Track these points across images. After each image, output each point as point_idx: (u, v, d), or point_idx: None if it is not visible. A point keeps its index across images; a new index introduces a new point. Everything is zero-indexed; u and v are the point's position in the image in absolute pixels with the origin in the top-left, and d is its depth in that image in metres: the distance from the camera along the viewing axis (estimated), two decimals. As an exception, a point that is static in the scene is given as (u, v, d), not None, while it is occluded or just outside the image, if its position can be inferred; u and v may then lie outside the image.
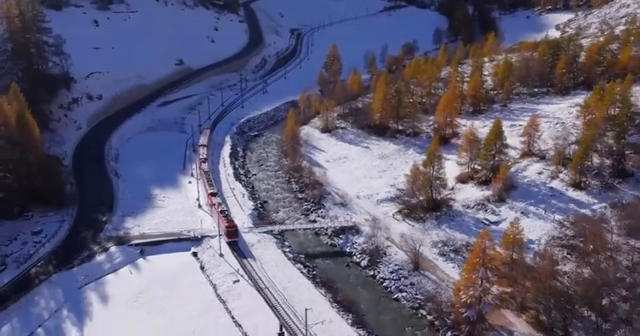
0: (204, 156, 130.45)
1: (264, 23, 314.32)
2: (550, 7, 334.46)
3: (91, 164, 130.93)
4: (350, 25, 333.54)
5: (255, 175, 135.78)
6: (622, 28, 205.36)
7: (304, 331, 68.47)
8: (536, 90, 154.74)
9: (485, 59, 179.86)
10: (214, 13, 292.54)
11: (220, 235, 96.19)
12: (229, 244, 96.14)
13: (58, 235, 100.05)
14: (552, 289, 75.59)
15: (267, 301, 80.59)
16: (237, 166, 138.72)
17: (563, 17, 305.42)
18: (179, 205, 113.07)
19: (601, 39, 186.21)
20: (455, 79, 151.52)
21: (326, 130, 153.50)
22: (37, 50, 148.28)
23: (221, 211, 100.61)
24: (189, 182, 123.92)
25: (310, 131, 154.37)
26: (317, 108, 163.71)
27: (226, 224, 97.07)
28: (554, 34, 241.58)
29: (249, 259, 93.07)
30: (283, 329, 73.25)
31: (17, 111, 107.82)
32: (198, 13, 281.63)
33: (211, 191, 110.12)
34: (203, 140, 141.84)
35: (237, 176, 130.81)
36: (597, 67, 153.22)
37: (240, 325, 76.29)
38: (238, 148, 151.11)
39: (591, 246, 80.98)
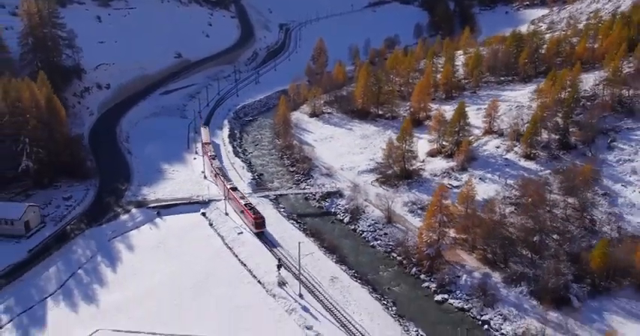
0: (213, 153, 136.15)
1: (254, 19, 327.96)
2: (528, 2, 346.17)
3: (106, 144, 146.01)
4: (336, 21, 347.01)
5: (251, 153, 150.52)
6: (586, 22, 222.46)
7: (297, 264, 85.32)
8: (502, 78, 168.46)
9: (460, 51, 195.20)
10: (207, 9, 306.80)
11: (225, 198, 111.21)
12: (257, 234, 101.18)
13: (86, 201, 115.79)
14: (498, 234, 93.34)
15: (266, 246, 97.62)
16: (235, 145, 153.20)
17: (539, 12, 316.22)
18: (187, 177, 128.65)
19: (566, 32, 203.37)
20: (430, 70, 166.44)
21: (314, 115, 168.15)
22: (53, 44, 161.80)
23: (246, 204, 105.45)
24: (194, 158, 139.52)
25: (299, 116, 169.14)
26: (305, 96, 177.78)
27: (253, 216, 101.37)
28: (530, 28, 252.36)
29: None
30: (281, 261, 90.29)
31: (46, 95, 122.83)
32: (192, 9, 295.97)
33: (231, 186, 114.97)
34: (205, 138, 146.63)
35: (236, 153, 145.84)
36: (557, 58, 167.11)
37: (245, 265, 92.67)
38: (235, 131, 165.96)
39: (530, 199, 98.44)
